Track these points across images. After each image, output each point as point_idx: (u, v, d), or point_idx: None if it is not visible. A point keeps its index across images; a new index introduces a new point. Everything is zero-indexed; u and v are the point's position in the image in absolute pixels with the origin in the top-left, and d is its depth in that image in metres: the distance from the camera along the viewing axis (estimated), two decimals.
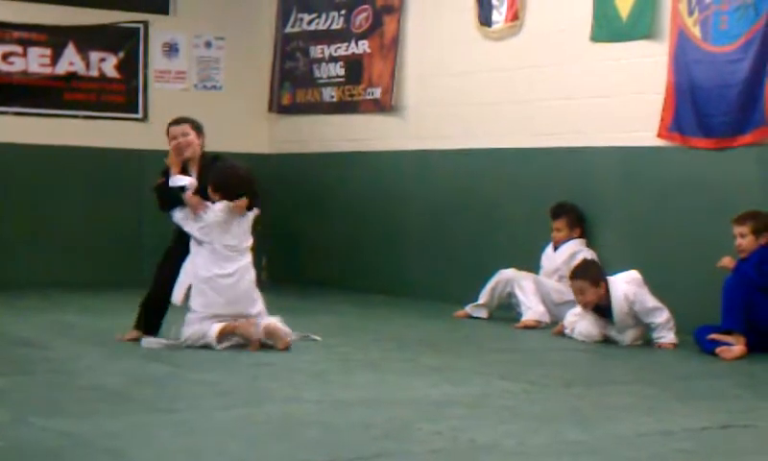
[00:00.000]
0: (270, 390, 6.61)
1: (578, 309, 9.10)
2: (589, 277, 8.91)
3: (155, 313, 8.24)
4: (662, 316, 8.76)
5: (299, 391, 6.58)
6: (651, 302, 8.78)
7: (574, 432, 5.71)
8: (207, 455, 5.05)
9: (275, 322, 8.05)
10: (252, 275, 8.15)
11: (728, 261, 8.59)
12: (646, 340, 8.87)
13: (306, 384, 6.79)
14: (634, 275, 8.92)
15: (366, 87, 12.32)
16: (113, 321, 9.06)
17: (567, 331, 9.16)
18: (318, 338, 8.45)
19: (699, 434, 5.75)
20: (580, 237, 10.19)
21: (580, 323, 9.06)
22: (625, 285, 8.82)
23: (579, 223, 10.21)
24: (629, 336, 8.84)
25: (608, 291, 8.83)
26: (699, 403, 6.58)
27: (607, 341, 8.90)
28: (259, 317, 8.06)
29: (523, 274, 10.08)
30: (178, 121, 8.52)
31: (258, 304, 8.12)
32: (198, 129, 8.48)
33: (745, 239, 8.53)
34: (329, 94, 12.74)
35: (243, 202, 8.13)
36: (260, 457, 5.09)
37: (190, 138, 8.39)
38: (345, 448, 5.26)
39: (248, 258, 8.17)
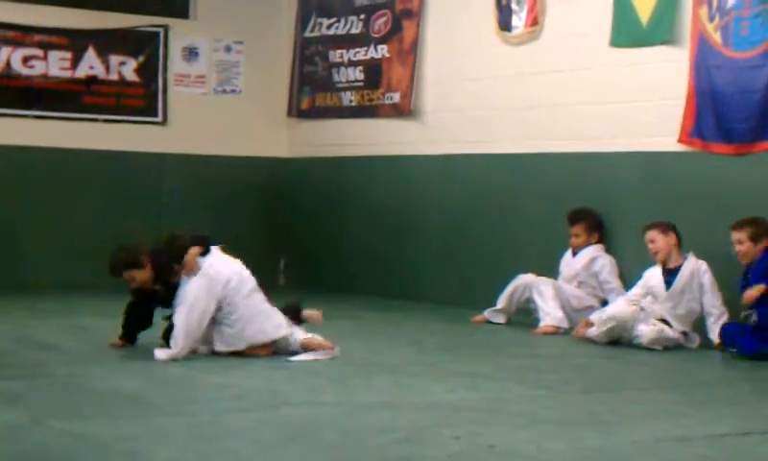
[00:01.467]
0: (287, 393, 6.60)
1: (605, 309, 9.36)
2: (659, 226, 9.19)
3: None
4: (722, 306, 8.95)
5: (316, 394, 6.57)
6: (717, 287, 9.00)
7: (592, 438, 5.68)
8: (224, 458, 5.04)
9: (310, 337, 8.01)
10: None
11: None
12: (665, 346, 8.85)
13: (324, 388, 6.77)
14: None
15: (385, 92, 12.31)
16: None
17: (591, 330, 9.13)
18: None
19: (718, 441, 5.72)
20: (598, 243, 10.16)
21: (609, 307, 9.20)
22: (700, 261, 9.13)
23: (597, 228, 10.17)
24: (652, 330, 8.90)
25: (682, 255, 9.14)
26: (718, 410, 6.54)
27: (627, 343, 8.89)
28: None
29: (542, 279, 10.05)
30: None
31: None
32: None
33: (743, 246, 8.69)
34: (348, 98, 12.74)
35: (188, 256, 7.96)
36: (278, 460, 5.07)
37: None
38: (363, 452, 5.25)
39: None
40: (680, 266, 9.14)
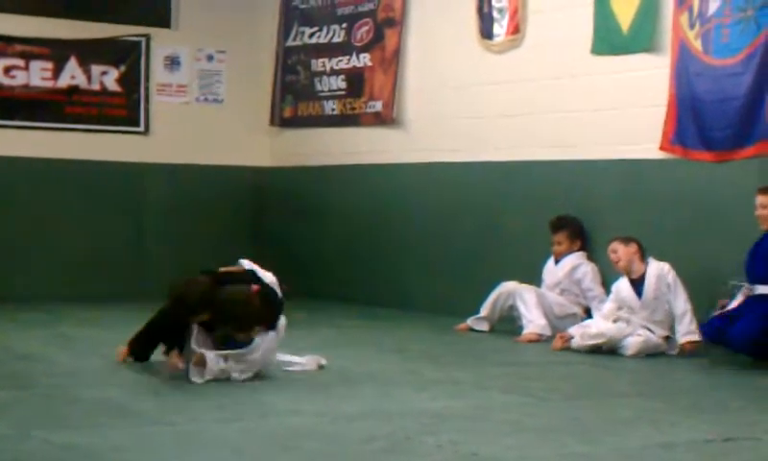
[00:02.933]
0: (271, 403, 6.60)
1: (588, 322, 9.42)
2: (620, 238, 9.27)
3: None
4: (688, 303, 9.00)
5: (300, 404, 6.57)
6: (680, 284, 9.04)
7: (576, 445, 5.70)
8: None
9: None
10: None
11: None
12: (650, 352, 8.88)
13: (307, 397, 6.78)
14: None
15: (367, 101, 12.33)
16: (114, 334, 9.02)
17: (574, 340, 9.16)
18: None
19: (702, 447, 5.74)
20: (581, 250, 10.19)
21: (593, 323, 9.17)
22: (660, 262, 9.16)
23: (579, 236, 10.20)
24: (637, 338, 8.96)
25: (644, 263, 9.18)
26: (702, 416, 6.57)
27: (611, 352, 8.92)
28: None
29: (525, 286, 10.08)
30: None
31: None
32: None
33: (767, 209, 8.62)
34: (331, 107, 12.75)
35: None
36: None
37: None
38: None
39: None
40: (644, 274, 9.18)
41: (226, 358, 7.21)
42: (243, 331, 7.25)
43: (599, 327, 9.16)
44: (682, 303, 9.02)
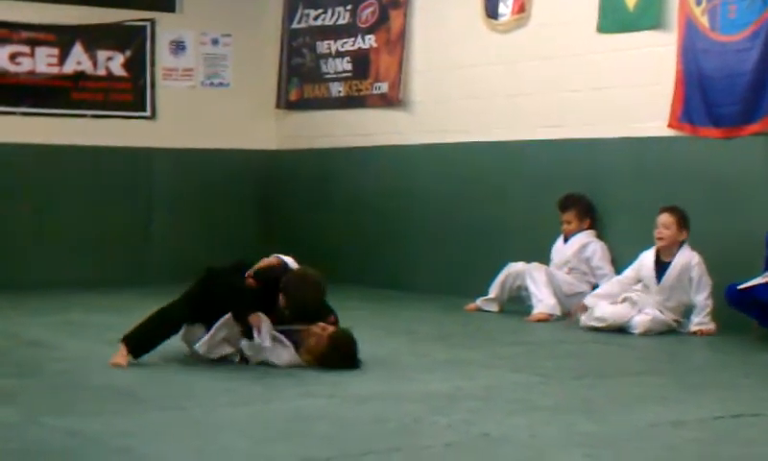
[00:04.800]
0: (280, 386, 6.59)
1: (598, 291, 9.41)
2: (681, 218, 9.09)
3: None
4: (709, 299, 8.91)
5: (309, 387, 6.56)
6: (706, 280, 8.93)
7: (586, 423, 5.69)
8: (217, 453, 5.04)
9: None
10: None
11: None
12: (660, 331, 8.87)
13: (317, 380, 6.77)
14: None
15: (373, 82, 12.30)
16: (122, 320, 9.00)
17: (583, 317, 9.14)
18: None
19: (711, 424, 5.74)
20: (590, 229, 10.16)
21: (600, 305, 9.08)
22: (693, 252, 9.06)
23: (588, 214, 10.17)
24: (649, 318, 8.92)
25: (682, 244, 9.08)
26: (711, 393, 6.56)
27: (621, 330, 8.90)
28: None
29: (535, 265, 10.05)
30: None
31: None
32: None
33: None
34: (337, 89, 12.73)
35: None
36: (271, 453, 5.07)
37: None
38: (357, 444, 5.25)
39: None
40: (673, 259, 9.10)
41: (274, 338, 7.17)
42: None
43: (603, 310, 9.10)
44: (702, 299, 8.94)
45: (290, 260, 7.62)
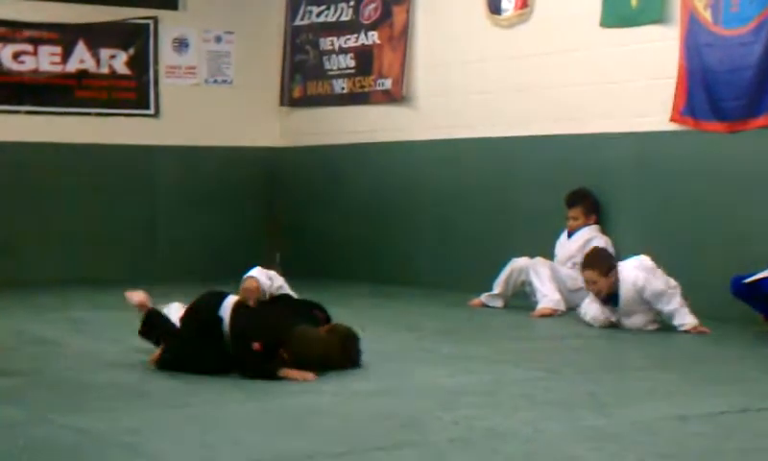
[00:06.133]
0: (285, 383, 6.59)
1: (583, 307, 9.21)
2: (599, 266, 8.86)
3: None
4: (674, 301, 8.65)
5: (315, 383, 6.57)
6: (661, 286, 8.67)
7: (591, 418, 5.70)
8: (224, 449, 5.05)
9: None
10: None
11: None
12: (665, 325, 8.84)
13: (322, 376, 6.77)
14: (643, 260, 8.86)
15: (376, 78, 12.30)
16: (127, 317, 9.04)
17: (582, 314, 9.15)
18: None
19: (717, 418, 5.74)
20: (595, 225, 10.16)
21: (591, 306, 9.06)
22: (634, 272, 8.75)
23: (595, 210, 10.17)
24: (637, 321, 8.80)
25: (617, 278, 8.78)
26: (717, 388, 6.56)
27: (612, 326, 8.88)
28: None
29: (539, 260, 10.04)
30: None
31: None
32: None
33: None
34: (340, 86, 12.73)
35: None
36: (277, 450, 5.08)
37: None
38: (363, 439, 5.26)
39: None
40: (618, 290, 8.78)
41: None
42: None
43: (592, 313, 9.06)
44: (672, 309, 8.65)
45: (272, 274, 7.59)
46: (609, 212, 10.17)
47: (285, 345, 6.76)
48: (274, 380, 6.61)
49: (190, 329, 7.03)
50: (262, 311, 7.24)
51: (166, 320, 7.32)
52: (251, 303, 7.30)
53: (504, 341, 8.50)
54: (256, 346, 6.72)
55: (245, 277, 7.74)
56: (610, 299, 8.86)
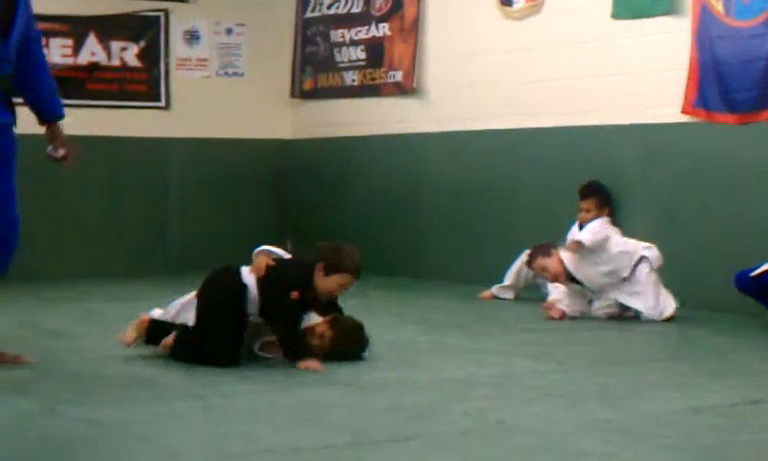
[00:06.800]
0: (297, 374, 6.61)
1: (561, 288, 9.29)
2: (540, 252, 9.08)
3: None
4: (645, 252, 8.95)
5: (326, 375, 6.58)
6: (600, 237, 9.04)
7: (603, 411, 5.70)
8: (237, 440, 5.06)
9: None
10: None
11: None
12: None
13: (333, 368, 6.78)
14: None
15: (387, 70, 12.31)
16: (140, 309, 9.05)
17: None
18: None
19: (729, 410, 5.74)
20: (607, 217, 10.14)
21: (566, 300, 9.17)
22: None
23: (608, 203, 10.11)
24: (596, 278, 8.98)
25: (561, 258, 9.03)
26: (729, 379, 6.56)
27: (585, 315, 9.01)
28: None
29: None
30: None
31: None
32: None
33: None
34: (351, 78, 12.73)
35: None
36: (289, 441, 5.09)
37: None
38: (373, 431, 5.26)
39: None
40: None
41: None
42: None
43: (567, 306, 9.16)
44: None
45: (279, 251, 7.56)
46: (619, 204, 10.15)
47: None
48: (292, 361, 6.67)
49: (213, 301, 6.87)
50: (292, 262, 7.18)
51: (170, 323, 7.28)
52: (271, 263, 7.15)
53: (514, 333, 8.50)
54: (294, 294, 6.72)
55: (255, 252, 7.53)
56: (570, 279, 9.02)
